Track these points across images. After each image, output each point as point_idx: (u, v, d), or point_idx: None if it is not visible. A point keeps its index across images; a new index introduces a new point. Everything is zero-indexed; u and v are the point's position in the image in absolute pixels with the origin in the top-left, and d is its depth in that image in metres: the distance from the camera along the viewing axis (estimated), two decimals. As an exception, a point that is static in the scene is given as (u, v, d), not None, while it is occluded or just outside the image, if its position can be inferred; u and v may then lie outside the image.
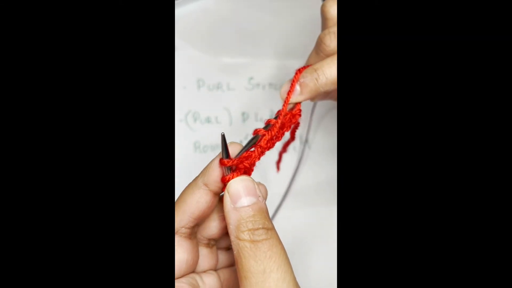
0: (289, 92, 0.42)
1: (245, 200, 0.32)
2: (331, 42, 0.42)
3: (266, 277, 0.29)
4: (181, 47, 0.69)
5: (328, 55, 0.43)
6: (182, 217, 0.34)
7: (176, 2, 0.69)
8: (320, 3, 0.73)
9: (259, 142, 0.37)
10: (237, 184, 0.33)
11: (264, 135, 0.38)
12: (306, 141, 0.69)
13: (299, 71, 0.43)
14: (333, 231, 0.58)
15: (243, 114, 0.69)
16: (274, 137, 0.39)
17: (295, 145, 0.68)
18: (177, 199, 0.36)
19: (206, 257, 0.37)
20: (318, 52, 0.44)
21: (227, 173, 0.35)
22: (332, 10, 0.44)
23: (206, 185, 0.35)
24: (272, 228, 0.31)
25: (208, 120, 0.68)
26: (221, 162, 0.34)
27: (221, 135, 0.35)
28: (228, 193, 0.32)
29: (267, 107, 0.70)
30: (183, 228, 0.35)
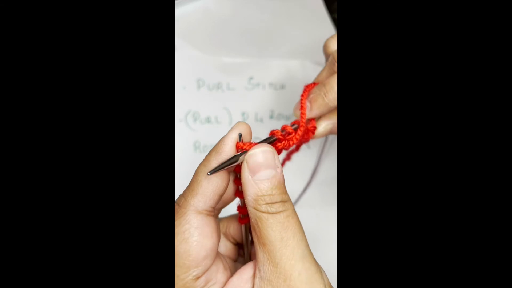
0: (302, 108, 0.42)
1: (264, 174, 0.32)
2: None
3: (283, 244, 0.31)
4: (181, 47, 0.69)
5: None
6: (205, 200, 0.34)
7: (176, 2, 0.69)
8: (320, 3, 0.73)
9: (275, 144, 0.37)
10: (257, 155, 0.32)
11: (281, 138, 0.37)
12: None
13: (307, 87, 0.43)
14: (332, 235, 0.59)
15: (243, 114, 0.69)
16: (287, 145, 0.39)
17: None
18: (192, 182, 0.35)
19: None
20: (329, 69, 0.44)
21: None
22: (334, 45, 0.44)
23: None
24: (288, 200, 0.32)
25: (208, 120, 0.68)
26: (238, 145, 0.34)
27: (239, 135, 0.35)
28: (247, 164, 0.32)
29: (267, 107, 0.70)
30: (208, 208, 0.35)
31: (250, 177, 0.32)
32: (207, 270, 0.33)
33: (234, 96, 0.69)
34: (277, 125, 0.69)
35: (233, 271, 0.38)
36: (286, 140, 0.38)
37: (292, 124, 0.41)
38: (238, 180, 0.36)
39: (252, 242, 0.42)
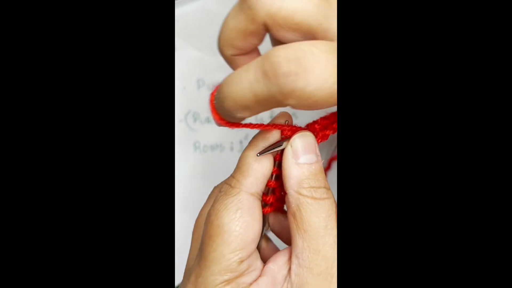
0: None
1: (308, 157, 0.32)
2: None
3: (327, 232, 0.31)
4: (181, 47, 0.69)
5: None
6: (257, 182, 0.34)
7: (176, 2, 0.69)
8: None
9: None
10: (301, 139, 0.33)
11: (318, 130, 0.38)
12: None
13: None
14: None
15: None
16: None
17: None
18: (242, 165, 0.35)
19: None
20: None
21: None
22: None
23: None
24: (330, 188, 0.33)
25: (208, 120, 0.68)
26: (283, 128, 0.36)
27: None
28: (291, 147, 0.33)
29: (267, 107, 0.70)
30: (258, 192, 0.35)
31: (294, 160, 0.32)
32: (251, 254, 0.33)
33: (234, 96, 0.69)
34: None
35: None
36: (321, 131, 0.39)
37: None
38: (273, 168, 0.37)
39: (264, 236, 0.42)
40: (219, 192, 0.36)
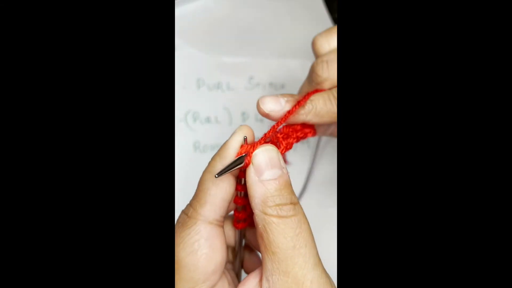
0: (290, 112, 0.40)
1: (271, 173, 0.31)
2: (323, 72, 0.41)
3: (295, 253, 0.29)
4: (181, 47, 0.69)
5: (318, 84, 0.42)
6: (215, 209, 0.33)
7: (176, 2, 0.69)
8: (320, 3, 0.73)
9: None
10: (262, 155, 0.31)
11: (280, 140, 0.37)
12: (307, 141, 0.69)
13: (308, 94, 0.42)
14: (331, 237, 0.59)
15: (243, 114, 0.69)
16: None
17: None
18: (199, 191, 0.34)
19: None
20: (310, 81, 0.43)
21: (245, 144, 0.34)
22: (321, 45, 0.42)
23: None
24: (298, 203, 0.31)
25: (208, 120, 0.68)
26: (242, 147, 0.33)
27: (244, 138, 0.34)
28: (253, 165, 0.31)
29: (267, 107, 0.70)
30: (218, 218, 0.33)
31: (256, 178, 0.31)
32: (215, 284, 0.32)
33: (234, 96, 0.69)
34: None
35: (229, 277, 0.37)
36: (285, 142, 0.37)
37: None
38: (239, 186, 0.35)
39: (244, 248, 0.41)
40: (177, 223, 0.34)
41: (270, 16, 0.72)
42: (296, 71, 0.71)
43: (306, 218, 0.31)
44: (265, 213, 0.30)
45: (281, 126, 0.38)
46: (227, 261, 0.37)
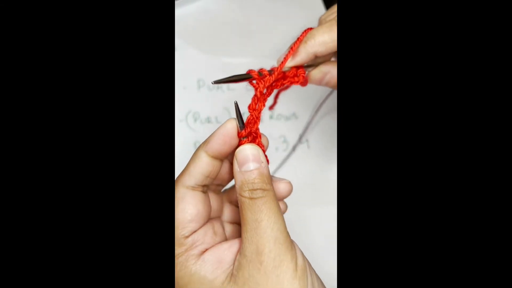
0: (286, 56, 0.46)
1: (249, 165, 0.39)
2: (327, 17, 0.49)
3: (257, 225, 0.37)
4: (181, 47, 0.69)
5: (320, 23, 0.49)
6: (189, 178, 0.40)
7: (176, 2, 0.69)
8: (320, 3, 0.73)
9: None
10: (244, 151, 0.39)
11: (256, 78, 0.43)
12: (307, 140, 0.69)
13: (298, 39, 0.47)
14: (327, 236, 0.59)
15: (243, 114, 0.69)
16: (266, 91, 0.44)
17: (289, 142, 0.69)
18: (186, 168, 0.41)
19: (216, 201, 0.44)
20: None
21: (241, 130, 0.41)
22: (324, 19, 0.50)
23: (209, 155, 0.40)
24: (269, 189, 0.38)
25: (208, 120, 0.68)
26: (239, 135, 0.40)
27: (235, 103, 0.42)
28: (236, 159, 0.39)
29: (267, 108, 0.70)
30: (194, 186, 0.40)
31: (238, 168, 0.39)
32: (194, 232, 0.39)
33: (234, 96, 0.69)
34: (277, 125, 0.69)
35: (234, 236, 0.43)
36: (261, 80, 0.43)
37: (271, 70, 0.45)
38: (239, 133, 0.42)
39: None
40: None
41: (270, 17, 0.72)
42: (296, 71, 0.71)
43: (275, 200, 0.38)
44: (241, 195, 0.38)
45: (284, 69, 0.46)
46: (216, 217, 0.44)
